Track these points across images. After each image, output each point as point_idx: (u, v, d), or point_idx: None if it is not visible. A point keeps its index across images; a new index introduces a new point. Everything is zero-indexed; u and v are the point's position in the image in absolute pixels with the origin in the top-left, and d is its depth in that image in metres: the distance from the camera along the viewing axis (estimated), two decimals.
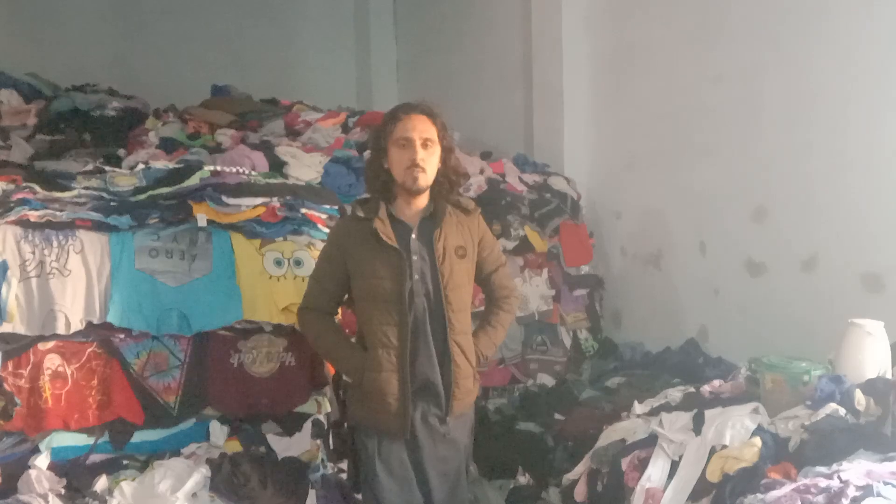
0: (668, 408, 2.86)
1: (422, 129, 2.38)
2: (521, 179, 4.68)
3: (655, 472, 2.51)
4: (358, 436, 2.50)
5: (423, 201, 2.47)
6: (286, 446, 3.04)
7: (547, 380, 4.22)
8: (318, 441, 3.15)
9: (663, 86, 4.34)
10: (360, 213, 2.45)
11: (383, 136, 2.44)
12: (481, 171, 4.65)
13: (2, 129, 4.68)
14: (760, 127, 3.72)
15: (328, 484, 2.91)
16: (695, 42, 4.10)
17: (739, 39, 3.81)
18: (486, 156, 5.09)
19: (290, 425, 3.11)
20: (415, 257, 2.40)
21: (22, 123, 4.85)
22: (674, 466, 2.51)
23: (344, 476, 2.95)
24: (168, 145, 4.51)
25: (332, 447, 3.23)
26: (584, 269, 4.67)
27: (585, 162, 4.92)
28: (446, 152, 2.46)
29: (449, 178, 2.48)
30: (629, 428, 2.83)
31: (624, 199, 4.70)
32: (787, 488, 2.10)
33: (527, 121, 5.36)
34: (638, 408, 3.00)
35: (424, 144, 2.37)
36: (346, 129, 4.89)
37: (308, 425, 3.15)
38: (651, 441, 2.65)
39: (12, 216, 2.72)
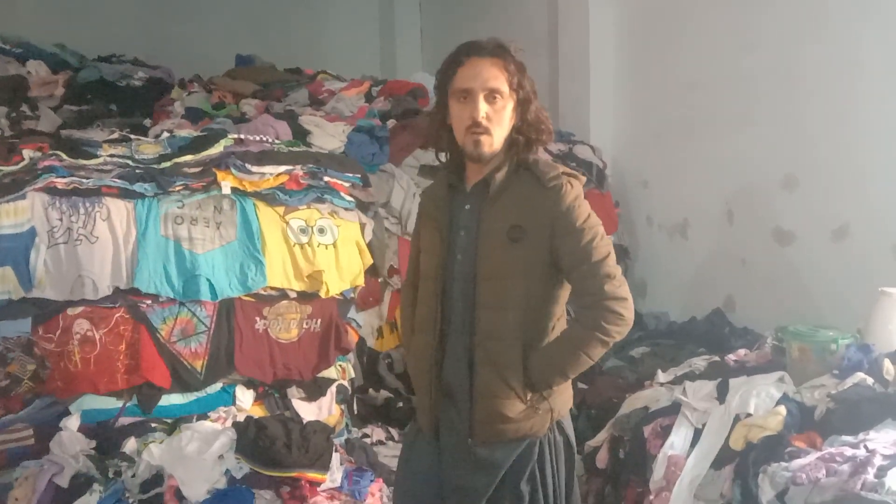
0: (692, 376, 2.85)
1: (486, 76, 1.84)
2: (545, 148, 4.63)
3: (678, 439, 2.51)
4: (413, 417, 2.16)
5: (493, 166, 1.93)
6: (310, 411, 3.08)
7: None
8: (343, 406, 3.20)
9: (693, 53, 4.24)
10: (429, 180, 2.08)
11: (444, 86, 1.92)
12: None
13: (30, 100, 4.72)
14: (793, 95, 3.63)
15: (352, 448, 2.95)
16: (727, 7, 4.00)
17: (775, 5, 3.71)
18: None
19: (315, 390, 3.15)
20: (461, 233, 1.92)
21: (49, 94, 4.88)
22: (697, 434, 2.50)
23: (368, 441, 2.99)
24: (193, 115, 4.52)
25: (356, 412, 3.28)
26: (610, 238, 4.62)
27: (612, 130, 4.86)
28: (523, 104, 1.91)
29: (528, 136, 1.92)
30: (652, 396, 2.83)
31: (651, 168, 4.63)
32: (812, 457, 2.09)
33: (552, 89, 5.28)
34: (661, 376, 2.99)
35: (490, 97, 1.85)
36: (369, 98, 4.86)
37: (332, 390, 3.19)
38: (674, 409, 2.64)
39: (39, 183, 2.76)
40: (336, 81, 5.20)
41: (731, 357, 2.93)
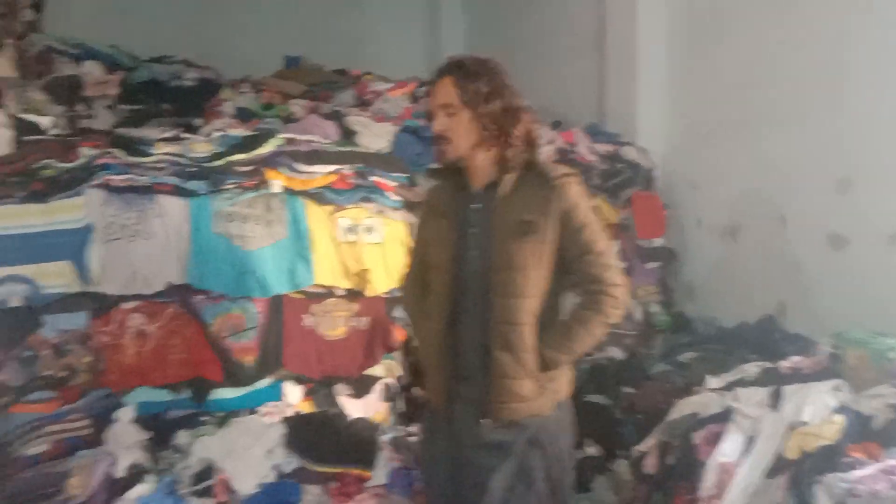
0: (743, 383, 2.79)
1: (440, 95, 2.09)
2: (592, 149, 4.59)
3: (730, 446, 2.46)
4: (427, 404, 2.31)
5: (485, 168, 2.12)
6: (357, 408, 3.10)
7: (616, 353, 4.15)
8: (389, 404, 3.21)
9: (743, 51, 4.16)
10: (433, 182, 2.28)
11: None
12: (551, 141, 4.59)
13: (86, 99, 4.83)
14: (846, 94, 3.53)
15: (398, 446, 2.95)
16: (776, 5, 3.92)
17: (824, 1, 3.62)
18: (556, 125, 5.01)
19: (361, 387, 3.17)
20: (473, 230, 2.10)
21: (104, 93, 5.00)
22: (749, 442, 2.45)
23: (413, 439, 3.00)
24: (244, 115, 4.58)
25: (401, 410, 3.29)
26: (658, 241, 4.56)
27: (660, 131, 4.79)
28: (472, 108, 2.06)
29: (495, 134, 2.07)
30: (702, 402, 2.78)
31: (701, 170, 4.55)
32: (872, 468, 2.03)
33: (599, 89, 5.24)
34: (711, 382, 2.94)
35: (445, 112, 2.08)
36: (414, 99, 4.88)
37: (378, 388, 3.21)
38: (725, 416, 2.59)
39: (96, 180, 2.83)
40: (382, 82, 5.22)
41: (784, 364, 2.86)
